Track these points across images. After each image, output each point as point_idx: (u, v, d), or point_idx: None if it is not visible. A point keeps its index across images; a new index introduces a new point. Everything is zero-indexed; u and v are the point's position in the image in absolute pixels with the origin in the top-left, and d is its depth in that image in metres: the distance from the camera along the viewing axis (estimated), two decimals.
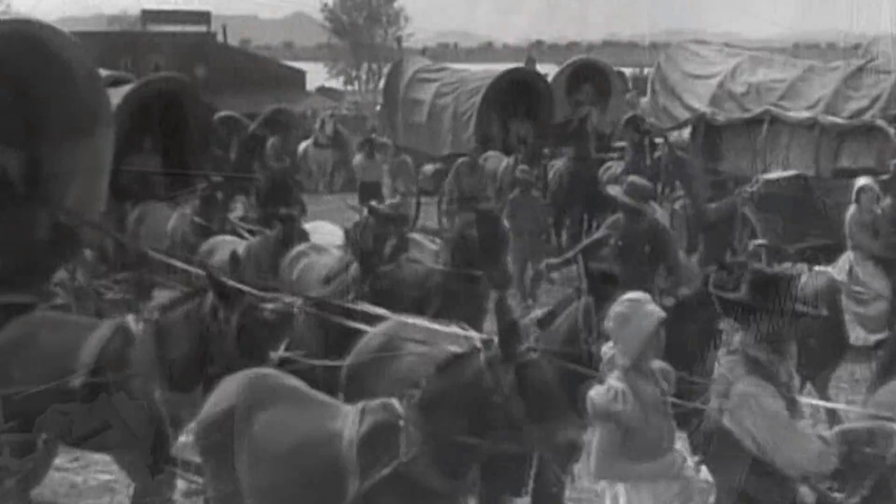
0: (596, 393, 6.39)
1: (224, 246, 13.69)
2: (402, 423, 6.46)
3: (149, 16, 45.73)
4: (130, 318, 8.48)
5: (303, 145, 30.59)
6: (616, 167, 20.35)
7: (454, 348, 7.06)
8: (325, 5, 73.47)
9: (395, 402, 6.59)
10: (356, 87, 67.28)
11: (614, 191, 11.42)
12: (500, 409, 6.26)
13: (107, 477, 9.87)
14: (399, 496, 6.39)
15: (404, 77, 27.73)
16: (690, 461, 6.49)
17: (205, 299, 8.08)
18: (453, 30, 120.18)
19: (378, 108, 49.60)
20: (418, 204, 24.60)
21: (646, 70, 49.81)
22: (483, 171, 21.69)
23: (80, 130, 10.13)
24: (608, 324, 6.52)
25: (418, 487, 6.37)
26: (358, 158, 24.86)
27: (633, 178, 11.79)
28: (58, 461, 9.97)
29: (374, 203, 13.32)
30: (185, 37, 41.01)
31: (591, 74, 29.06)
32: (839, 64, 17.60)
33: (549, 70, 30.21)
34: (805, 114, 16.64)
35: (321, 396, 7.18)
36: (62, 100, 10.09)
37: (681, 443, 6.79)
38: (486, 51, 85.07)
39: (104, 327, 8.57)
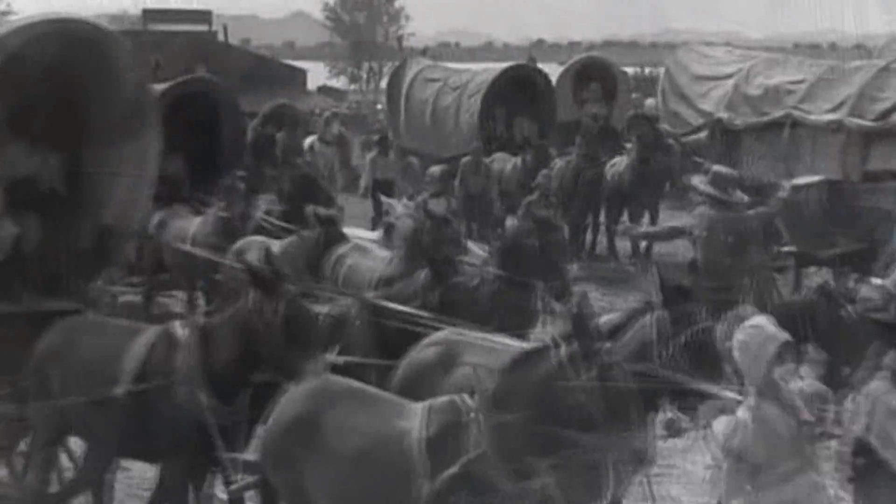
0: (718, 425, 6.26)
1: (255, 246, 13.22)
2: (471, 417, 6.30)
3: (150, 15, 45.43)
4: (176, 324, 8.21)
5: (308, 140, 30.11)
6: (620, 163, 19.98)
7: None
8: (326, 4, 73.26)
9: (463, 398, 6.46)
10: (359, 86, 66.78)
11: (697, 181, 10.85)
12: (577, 409, 6.05)
13: (106, 476, 9.57)
14: (467, 496, 6.25)
15: (407, 78, 27.30)
16: (830, 488, 6.39)
17: (247, 297, 7.80)
18: (454, 29, 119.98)
19: (378, 107, 49.87)
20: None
21: (647, 70, 49.70)
22: (489, 170, 21.41)
23: (125, 133, 9.74)
24: (735, 353, 6.32)
25: (486, 487, 6.22)
26: (370, 156, 24.26)
27: (716, 167, 11.34)
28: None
29: (430, 207, 12.80)
30: (186, 36, 40.28)
31: (597, 73, 28.55)
32: (861, 64, 17.13)
33: (550, 69, 29.40)
34: (829, 116, 16.19)
35: (387, 395, 7.09)
36: (108, 102, 9.69)
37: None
38: (487, 50, 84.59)
39: (148, 333, 8.31)
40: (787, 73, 17.38)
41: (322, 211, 13.64)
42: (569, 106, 26.63)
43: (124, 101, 9.65)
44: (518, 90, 25.60)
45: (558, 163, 20.39)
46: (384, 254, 11.89)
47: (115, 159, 9.75)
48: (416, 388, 7.70)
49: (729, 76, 17.92)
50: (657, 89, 45.54)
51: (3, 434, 9.33)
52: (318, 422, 6.79)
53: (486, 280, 10.55)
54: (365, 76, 70.21)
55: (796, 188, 15.46)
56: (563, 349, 6.19)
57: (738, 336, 6.31)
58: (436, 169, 24.94)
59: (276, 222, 14.67)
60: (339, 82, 65.11)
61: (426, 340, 8.33)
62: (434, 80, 26.75)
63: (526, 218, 12.48)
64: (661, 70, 50.98)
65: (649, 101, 39.66)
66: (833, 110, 16.19)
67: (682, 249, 19.37)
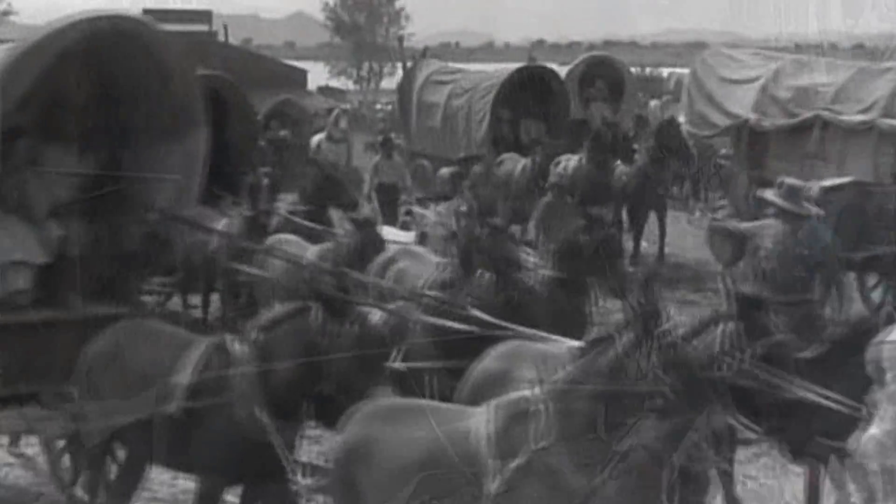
0: (868, 437, 6.28)
1: (286, 246, 12.99)
2: (537, 409, 6.10)
3: (150, 15, 44.38)
4: (228, 337, 7.87)
5: (316, 139, 29.68)
6: (622, 168, 19.73)
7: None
8: (327, 4, 73.21)
9: (529, 393, 6.24)
10: (359, 86, 66.60)
11: (770, 194, 10.52)
12: (645, 396, 5.84)
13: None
14: (533, 492, 6.04)
15: (418, 81, 26.83)
16: None
17: (309, 313, 7.48)
18: (454, 29, 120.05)
19: (378, 107, 49.61)
20: (436, 209, 24.16)
21: (647, 70, 49.41)
22: (498, 178, 21.03)
23: (172, 132, 9.37)
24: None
25: (552, 482, 6.02)
26: (375, 159, 23.79)
27: (788, 180, 11.06)
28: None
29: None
30: (187, 36, 39.49)
31: (603, 72, 28.10)
32: (892, 65, 16.83)
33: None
34: (860, 117, 15.89)
35: (447, 405, 6.96)
36: (156, 100, 9.34)
37: None
38: (487, 50, 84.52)
39: (200, 346, 7.94)
40: (817, 74, 17.10)
41: (359, 215, 13.30)
42: (575, 104, 26.23)
43: (172, 99, 9.34)
44: (530, 91, 25.18)
45: (572, 161, 19.82)
46: (434, 258, 11.56)
47: (163, 160, 9.43)
48: (484, 398, 7.30)
49: (756, 78, 17.61)
50: (660, 89, 45.55)
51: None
52: (379, 440, 6.56)
53: (541, 281, 10.40)
54: (365, 76, 70.01)
55: (826, 190, 15.11)
56: (628, 335, 6.01)
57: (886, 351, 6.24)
58: (445, 171, 24.59)
59: (306, 223, 14.30)
60: (340, 82, 64.95)
61: (493, 350, 8.05)
62: (445, 83, 26.35)
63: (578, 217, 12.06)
64: (662, 70, 50.96)
65: (654, 103, 39.54)
66: (864, 111, 15.92)
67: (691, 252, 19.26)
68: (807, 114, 16.46)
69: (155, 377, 7.78)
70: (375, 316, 8.47)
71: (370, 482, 6.49)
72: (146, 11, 45.61)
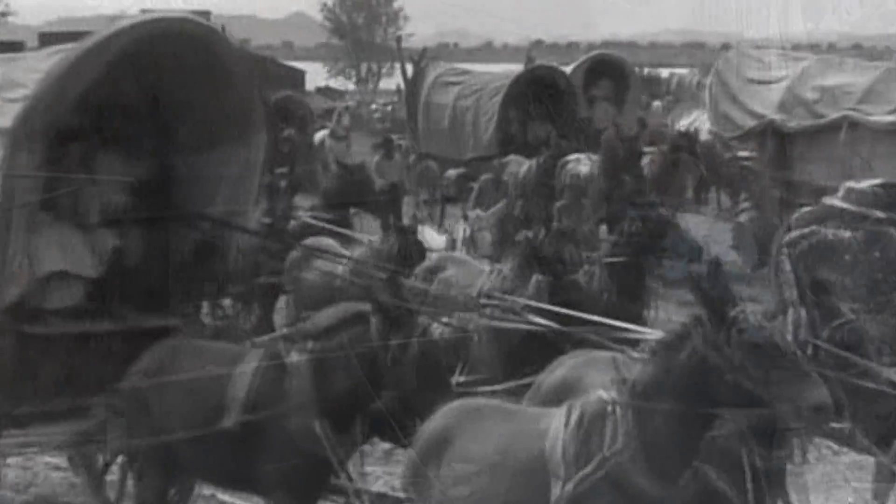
0: None
1: (324, 248, 12.46)
2: (613, 411, 5.76)
3: (150, 15, 44.18)
4: (282, 347, 7.52)
5: (319, 135, 29.30)
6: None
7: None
8: (325, 5, 73.27)
9: (605, 394, 5.87)
10: (357, 86, 66.48)
11: (831, 200, 10.39)
12: (730, 387, 5.47)
13: (107, 477, 9.28)
14: (606, 496, 5.71)
15: (427, 82, 26.41)
16: None
17: (369, 324, 7.13)
18: (453, 29, 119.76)
19: (374, 107, 49.38)
20: (443, 210, 23.88)
21: (645, 70, 49.13)
22: (507, 186, 20.35)
23: (231, 138, 8.89)
24: None
25: (626, 488, 5.68)
26: (375, 159, 23.41)
27: (849, 183, 10.76)
28: (57, 461, 9.65)
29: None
30: None
31: (608, 70, 27.63)
32: None
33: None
34: (889, 118, 15.62)
35: (528, 408, 6.63)
36: (215, 104, 8.84)
37: None
38: (487, 50, 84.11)
39: (253, 357, 7.59)
40: (844, 74, 16.85)
41: (397, 220, 12.84)
42: (579, 103, 25.71)
43: (231, 104, 8.85)
44: (539, 91, 24.78)
45: (582, 165, 19.46)
46: (480, 265, 11.16)
47: (220, 166, 8.97)
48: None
49: (781, 79, 17.36)
50: (660, 90, 45.14)
51: None
52: (453, 438, 6.25)
53: (597, 280, 10.03)
54: (363, 77, 69.89)
55: (852, 191, 14.80)
56: (700, 331, 5.61)
57: None
58: (452, 172, 24.47)
59: (331, 228, 13.83)
60: (338, 83, 64.77)
61: (565, 361, 7.65)
62: (454, 83, 25.97)
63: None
64: (661, 71, 50.57)
65: (656, 104, 39.21)
66: (894, 111, 15.69)
67: None
68: (834, 114, 16.19)
69: (209, 391, 7.47)
70: (437, 329, 8.19)
71: (443, 476, 6.21)
72: (145, 12, 45.77)
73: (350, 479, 7.22)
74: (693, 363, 5.59)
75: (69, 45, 8.38)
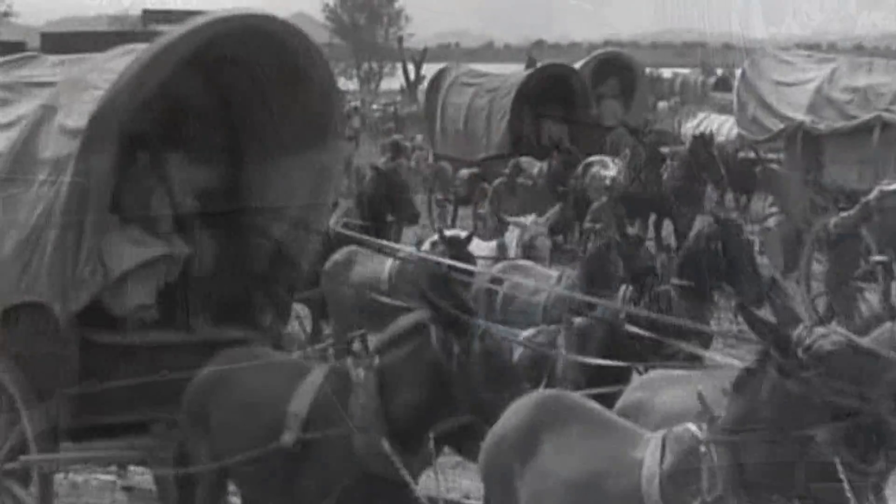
0: None
1: (362, 260, 12.32)
2: (707, 451, 5.38)
3: (150, 16, 44.53)
4: (348, 361, 7.16)
5: None
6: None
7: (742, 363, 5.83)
8: (326, 5, 73.19)
9: (696, 429, 5.50)
10: (358, 87, 66.27)
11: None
12: (820, 408, 5.11)
13: (108, 477, 9.37)
14: None
15: (445, 84, 26.21)
16: None
17: (429, 333, 6.72)
18: (454, 29, 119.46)
19: (374, 107, 49.08)
20: (455, 211, 23.55)
21: (647, 70, 48.90)
22: (523, 190, 20.36)
23: (308, 143, 8.49)
24: None
25: None
26: (381, 161, 23.03)
27: (882, 185, 10.36)
28: None
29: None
30: None
31: (615, 69, 27.46)
32: None
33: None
34: None
35: (620, 421, 6.15)
36: (292, 107, 8.47)
37: None
38: (487, 50, 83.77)
39: (317, 372, 7.20)
40: (875, 75, 16.54)
41: (445, 230, 12.42)
42: (592, 103, 25.45)
43: (309, 105, 8.44)
44: (551, 90, 24.63)
45: (607, 170, 19.10)
46: (548, 272, 10.88)
47: (295, 172, 8.58)
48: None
49: (810, 80, 17.05)
50: (661, 89, 44.84)
51: None
52: (540, 436, 5.92)
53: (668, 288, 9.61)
54: (365, 77, 69.68)
55: (886, 194, 14.17)
56: (776, 357, 5.29)
57: None
58: (464, 172, 24.16)
59: (376, 240, 13.25)
60: (340, 83, 64.13)
61: (636, 381, 7.41)
62: (471, 85, 25.76)
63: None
64: (662, 71, 50.30)
65: (662, 104, 39.01)
66: None
67: None
68: (866, 115, 15.87)
69: (269, 407, 7.11)
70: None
71: (526, 479, 5.88)
72: (146, 12, 45.34)
73: (419, 501, 6.82)
74: (778, 395, 5.24)
75: (140, 45, 8.04)
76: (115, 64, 7.84)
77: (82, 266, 7.62)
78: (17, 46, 30.62)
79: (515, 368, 6.88)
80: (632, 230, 13.30)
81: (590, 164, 19.95)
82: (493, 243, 13.45)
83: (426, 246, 12.17)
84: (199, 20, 7.91)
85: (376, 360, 6.91)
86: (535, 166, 21.19)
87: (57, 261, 7.60)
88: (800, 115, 16.66)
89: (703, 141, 19.05)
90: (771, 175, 17.25)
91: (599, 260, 9.98)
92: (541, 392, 6.35)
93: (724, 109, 38.13)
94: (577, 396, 6.43)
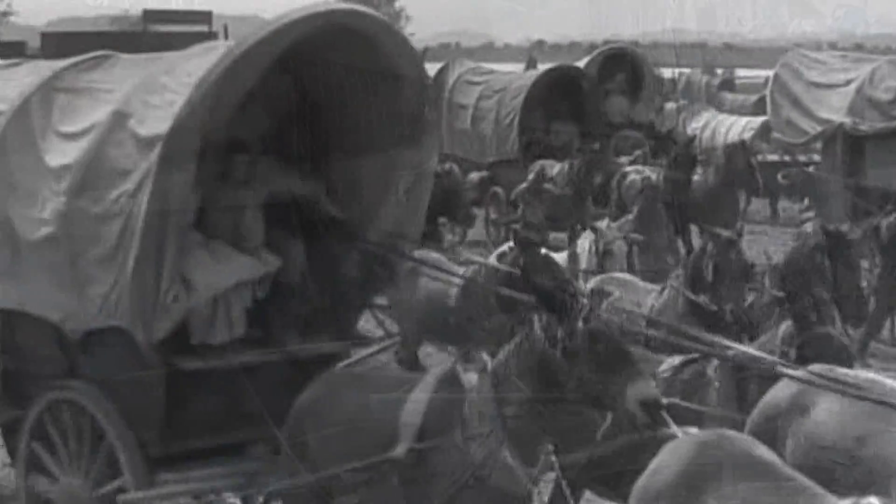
0: None
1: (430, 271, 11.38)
2: None
3: (150, 16, 43.67)
4: (458, 367, 6.73)
5: None
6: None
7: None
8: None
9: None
10: None
11: None
12: None
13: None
14: None
15: (448, 82, 25.35)
16: None
17: (532, 323, 6.20)
18: (454, 29, 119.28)
19: None
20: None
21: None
22: (549, 195, 19.39)
23: (401, 140, 7.96)
24: None
25: None
26: None
27: None
28: None
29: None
30: (187, 37, 38.14)
31: (621, 64, 26.65)
32: None
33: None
34: None
35: (799, 477, 5.39)
36: (383, 106, 7.92)
37: None
38: (487, 50, 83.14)
39: (427, 380, 6.66)
40: None
41: (523, 232, 11.73)
42: (603, 105, 24.94)
43: (401, 104, 7.89)
44: (561, 92, 23.88)
45: (646, 173, 18.28)
46: (646, 285, 10.17)
47: (387, 172, 8.04)
48: (768, 434, 6.25)
49: (848, 81, 16.43)
50: (664, 89, 44.10)
51: None
52: (702, 495, 5.25)
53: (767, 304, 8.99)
54: None
55: None
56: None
57: None
58: (475, 175, 23.34)
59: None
60: None
61: (779, 385, 6.72)
62: (476, 83, 24.99)
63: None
64: (662, 70, 49.70)
65: (670, 105, 38.16)
66: None
67: None
68: None
69: (377, 423, 6.53)
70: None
71: None
72: (146, 12, 44.64)
73: None
74: None
75: (218, 45, 7.65)
76: (192, 66, 7.19)
77: (164, 292, 7.00)
78: (17, 46, 29.87)
79: (626, 349, 6.13)
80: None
81: (626, 173, 19.22)
82: (564, 254, 12.61)
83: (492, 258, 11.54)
84: (283, 20, 7.25)
85: (489, 362, 6.39)
86: (553, 169, 20.31)
87: (138, 285, 6.96)
88: (839, 117, 16.06)
89: (742, 149, 18.25)
90: (807, 178, 16.44)
91: (698, 266, 9.41)
92: (700, 435, 5.67)
93: (732, 110, 37.49)
94: (744, 439, 5.69)
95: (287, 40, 7.18)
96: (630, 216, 14.09)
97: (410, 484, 6.35)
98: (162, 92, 7.14)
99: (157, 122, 6.96)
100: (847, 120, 15.84)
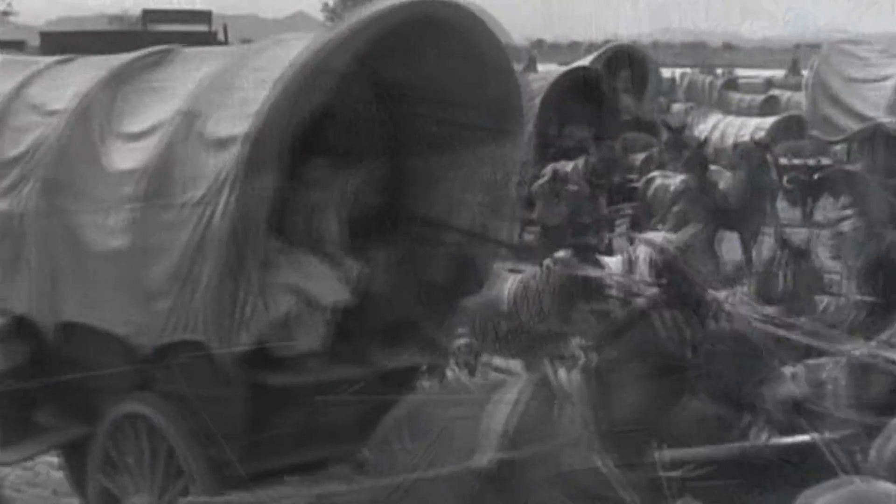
0: None
1: None
2: None
3: (150, 15, 43.29)
4: (551, 367, 6.03)
5: None
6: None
7: None
8: (326, 5, 73.35)
9: None
10: None
11: None
12: None
13: None
14: None
15: None
16: None
17: (652, 320, 5.63)
18: None
19: None
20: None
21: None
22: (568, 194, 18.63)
23: (489, 136, 7.55)
24: None
25: None
26: None
27: None
28: (57, 461, 8.90)
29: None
30: (186, 36, 37.67)
31: (628, 62, 26.56)
32: None
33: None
34: None
35: None
36: (472, 100, 7.46)
37: None
38: None
39: (515, 384, 6.17)
40: None
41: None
42: (620, 107, 24.46)
43: (491, 95, 7.47)
44: (577, 94, 23.41)
45: (671, 180, 17.76)
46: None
47: (473, 170, 7.65)
48: None
49: (889, 77, 15.66)
50: (666, 88, 43.60)
51: None
52: None
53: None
54: None
55: None
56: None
57: None
58: None
59: None
60: None
61: None
62: None
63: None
64: (672, 71, 49.23)
65: (677, 106, 37.59)
66: None
67: None
68: None
69: (459, 431, 6.06)
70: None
71: None
72: (146, 12, 44.24)
73: None
74: None
75: (285, 36, 7.13)
76: (263, 61, 6.80)
77: (246, 303, 6.57)
78: (17, 45, 29.29)
79: (762, 347, 5.58)
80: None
81: (652, 178, 18.63)
82: (618, 258, 11.96)
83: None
84: (364, 13, 6.86)
85: (591, 362, 5.81)
86: (567, 165, 19.69)
87: (217, 296, 6.55)
88: (879, 115, 15.21)
89: (767, 150, 17.87)
90: (845, 177, 15.79)
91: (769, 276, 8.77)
92: (844, 487, 4.87)
93: (739, 111, 36.92)
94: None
95: (373, 32, 6.78)
96: (684, 232, 13.48)
97: (496, 495, 5.84)
98: (231, 90, 6.73)
99: (230, 121, 6.53)
100: (887, 119, 15.07)
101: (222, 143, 6.51)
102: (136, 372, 7.01)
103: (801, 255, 9.00)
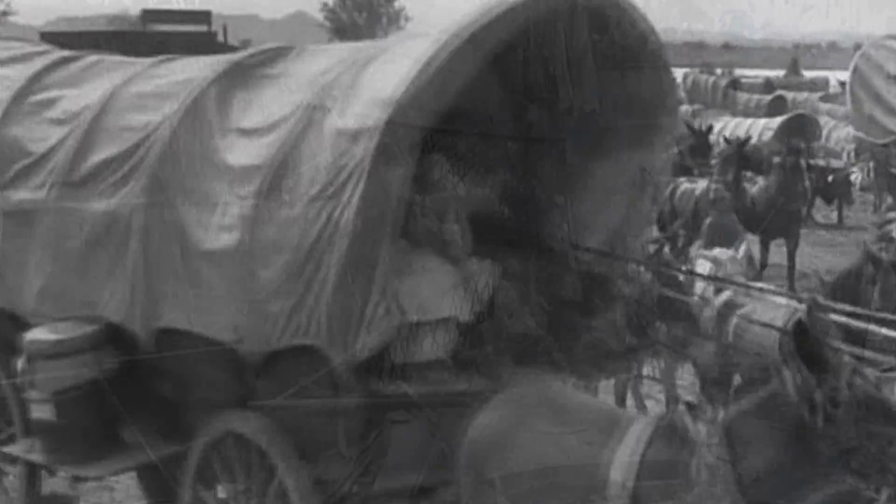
0: None
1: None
2: None
3: (149, 15, 43.72)
4: (683, 412, 5.50)
5: None
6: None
7: None
8: (326, 5, 72.99)
9: None
10: None
11: None
12: None
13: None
14: None
15: None
16: None
17: (783, 378, 5.12)
18: None
19: None
20: None
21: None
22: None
23: (633, 141, 6.96)
24: None
25: None
26: None
27: None
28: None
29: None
30: (186, 37, 37.75)
31: None
32: None
33: None
34: None
35: None
36: (621, 94, 6.88)
37: None
38: None
39: (638, 425, 5.54)
40: None
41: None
42: None
43: (640, 95, 6.83)
44: None
45: (696, 184, 17.11)
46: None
47: (613, 179, 7.10)
48: None
49: None
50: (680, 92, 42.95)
51: None
52: None
53: None
54: None
55: None
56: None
57: None
58: None
59: None
60: None
61: None
62: None
63: None
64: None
65: (684, 108, 36.90)
66: None
67: None
68: None
69: (580, 470, 5.42)
70: None
71: None
72: (146, 12, 43.88)
73: None
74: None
75: (417, 33, 6.91)
76: (392, 55, 6.38)
77: (374, 305, 5.98)
78: None
79: None
80: None
81: (678, 183, 17.79)
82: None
83: None
84: (502, 3, 6.26)
85: (721, 414, 5.31)
86: None
87: (341, 298, 6.01)
88: None
89: (801, 153, 17.08)
90: (890, 178, 15.14)
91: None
92: None
93: (746, 111, 36.32)
94: None
95: (518, 22, 6.24)
96: (744, 247, 12.66)
97: None
98: (356, 85, 6.22)
99: (359, 115, 6.01)
100: None
101: (350, 137, 6.00)
102: (238, 384, 6.46)
103: (892, 271, 8.13)
